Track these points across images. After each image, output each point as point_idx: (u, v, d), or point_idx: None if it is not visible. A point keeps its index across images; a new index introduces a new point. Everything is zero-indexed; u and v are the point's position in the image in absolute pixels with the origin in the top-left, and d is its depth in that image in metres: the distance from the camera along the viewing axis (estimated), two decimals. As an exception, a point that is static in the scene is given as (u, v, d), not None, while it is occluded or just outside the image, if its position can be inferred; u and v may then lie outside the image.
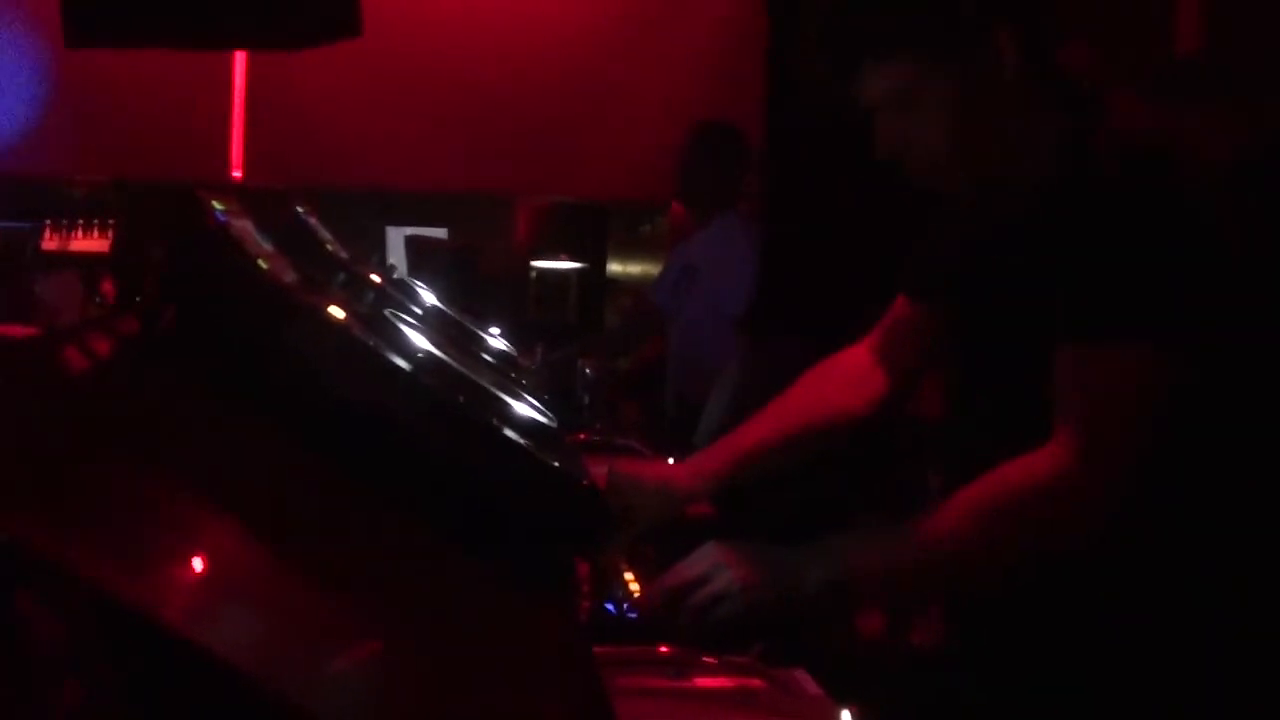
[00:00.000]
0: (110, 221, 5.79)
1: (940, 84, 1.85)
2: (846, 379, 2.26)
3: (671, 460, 2.85)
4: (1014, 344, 1.88)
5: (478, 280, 5.06)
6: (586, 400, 3.99)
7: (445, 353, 1.60)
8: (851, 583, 1.78)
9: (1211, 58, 3.69)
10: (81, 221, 5.90)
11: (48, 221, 5.86)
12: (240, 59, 4.46)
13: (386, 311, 1.58)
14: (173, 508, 1.17)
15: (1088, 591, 1.83)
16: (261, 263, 1.40)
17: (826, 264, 3.66)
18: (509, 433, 1.45)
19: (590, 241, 6.79)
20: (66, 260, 5.68)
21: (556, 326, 5.92)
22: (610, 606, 1.89)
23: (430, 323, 1.90)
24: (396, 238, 5.35)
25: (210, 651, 0.93)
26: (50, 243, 5.86)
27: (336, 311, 1.42)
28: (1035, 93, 1.88)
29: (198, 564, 1.13)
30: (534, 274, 6.46)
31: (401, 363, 1.41)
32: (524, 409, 1.58)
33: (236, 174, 4.50)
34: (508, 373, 1.99)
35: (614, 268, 7.14)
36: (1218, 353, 1.76)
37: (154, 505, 1.15)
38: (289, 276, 1.45)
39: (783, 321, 3.77)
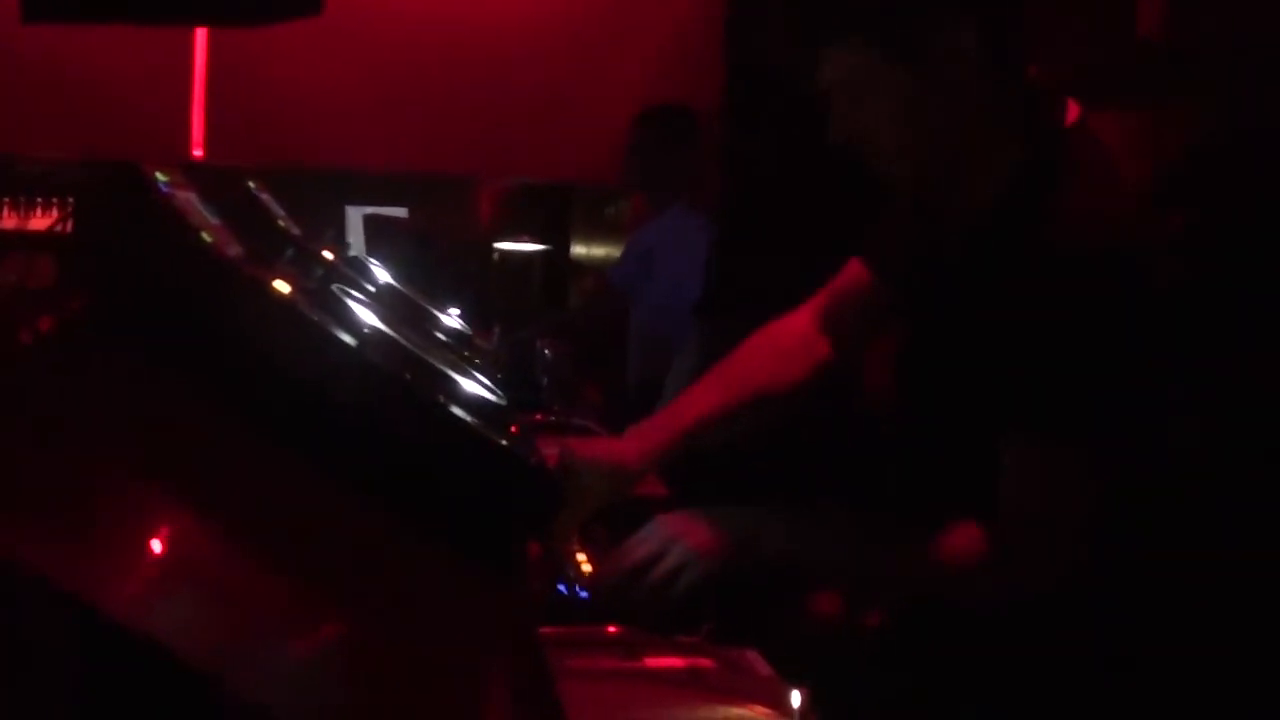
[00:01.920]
0: (69, 199, 5.72)
1: (893, 77, 1.80)
2: (790, 345, 2.23)
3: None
4: (963, 343, 1.88)
5: (438, 261, 5.04)
6: (545, 381, 3.98)
7: (395, 330, 1.59)
8: (806, 550, 1.81)
9: (1172, 44, 3.69)
10: (40, 200, 5.84)
11: (5, 199, 5.80)
12: (201, 36, 4.42)
13: (335, 287, 1.57)
14: (118, 488, 1.16)
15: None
16: (205, 236, 1.39)
17: (782, 246, 3.65)
18: (456, 410, 1.43)
19: (553, 223, 6.77)
20: (30, 240, 5.62)
21: (519, 308, 5.91)
22: (562, 587, 1.89)
23: (382, 300, 1.89)
24: (356, 217, 5.32)
25: (158, 640, 0.92)
26: (8, 221, 5.80)
27: (282, 286, 1.41)
28: (994, 106, 1.83)
29: (143, 547, 1.11)
30: (496, 256, 6.44)
31: (347, 338, 1.40)
32: (473, 387, 1.57)
33: (197, 152, 4.46)
34: (461, 352, 1.98)
35: (577, 250, 7.11)
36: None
37: (99, 486, 1.13)
38: (234, 250, 1.43)
39: (738, 305, 3.76)
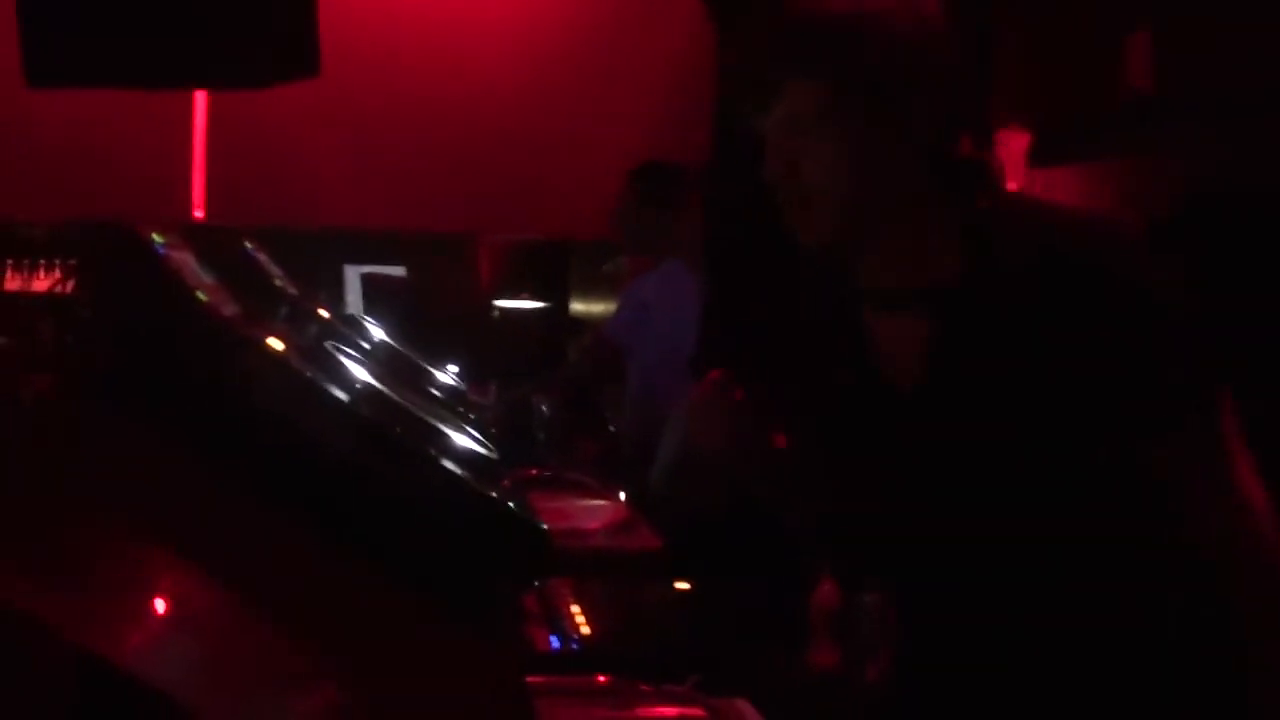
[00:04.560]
0: (71, 261, 5.75)
1: (840, 126, 1.70)
2: None
3: (623, 495, 2.86)
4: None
5: (436, 318, 5.06)
6: (542, 436, 4.00)
7: (388, 386, 1.61)
8: None
9: (1160, 93, 3.73)
10: (43, 262, 5.88)
11: (9, 262, 5.84)
12: (201, 98, 4.47)
13: (328, 344, 1.60)
14: (119, 543, 1.18)
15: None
16: (200, 295, 1.42)
17: (770, 300, 3.67)
18: (447, 464, 1.46)
19: (552, 280, 6.79)
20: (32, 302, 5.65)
21: (519, 365, 5.93)
22: (555, 640, 1.90)
23: (376, 357, 1.91)
24: (355, 276, 5.36)
25: (165, 692, 0.94)
26: (12, 283, 5.84)
27: (276, 344, 1.44)
28: (937, 173, 1.73)
29: (145, 600, 1.13)
30: (496, 314, 6.46)
31: (339, 394, 1.42)
32: (465, 442, 1.60)
33: (198, 214, 4.50)
34: (454, 407, 2.00)
35: (576, 306, 7.13)
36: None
37: (101, 541, 1.16)
38: (229, 309, 1.46)
39: (730, 360, 3.78)
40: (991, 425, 1.70)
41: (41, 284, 5.91)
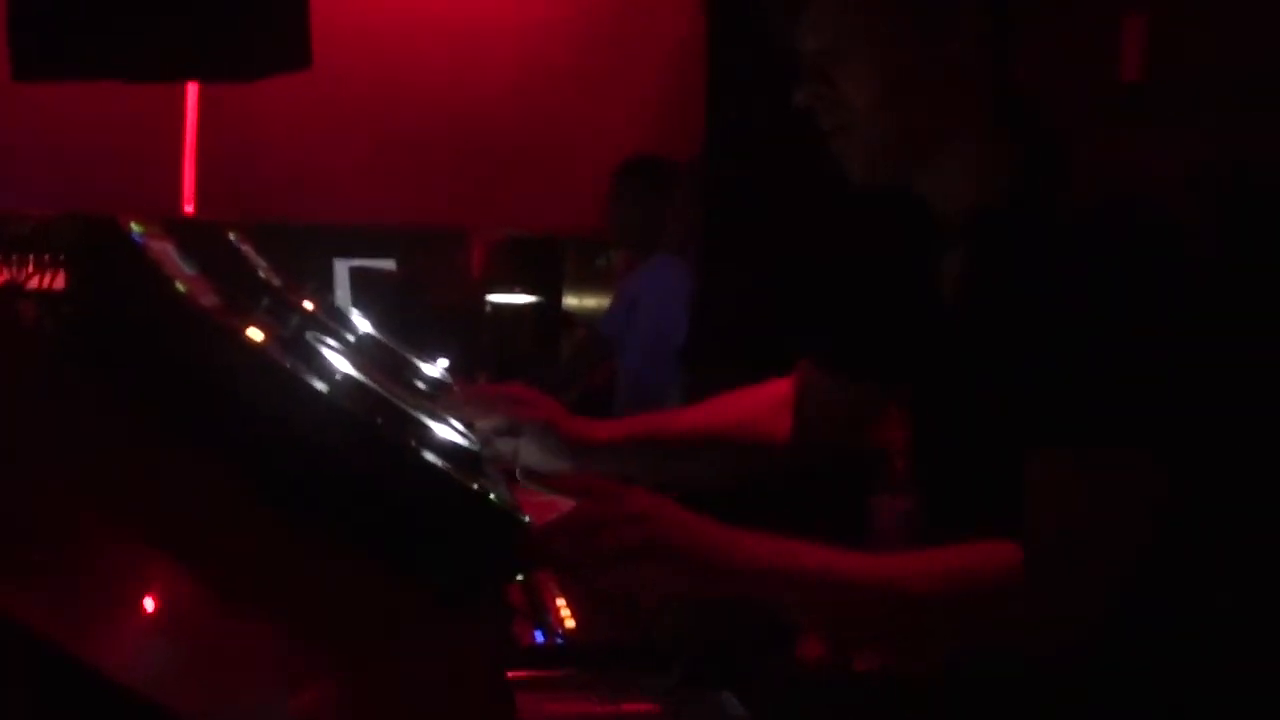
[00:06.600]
0: (61, 256, 5.75)
1: (879, 46, 1.59)
2: (775, 407, 2.12)
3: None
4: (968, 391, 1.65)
5: (426, 312, 5.06)
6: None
7: (370, 378, 1.60)
8: (791, 578, 1.49)
9: (1154, 79, 3.71)
10: (33, 256, 5.88)
11: (-1, 256, 5.85)
12: (192, 91, 4.46)
13: (309, 335, 1.58)
14: (101, 541, 1.17)
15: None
16: (179, 285, 1.40)
17: (762, 292, 3.67)
18: (427, 455, 1.45)
19: (545, 275, 6.81)
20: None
21: (512, 359, 5.93)
22: (539, 634, 1.89)
23: (359, 349, 1.90)
24: (344, 270, 5.36)
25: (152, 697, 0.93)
26: (1, 276, 5.85)
27: (254, 334, 1.43)
28: (986, 101, 1.62)
29: (127, 601, 1.13)
30: (489, 308, 6.47)
31: (318, 385, 1.41)
32: (447, 433, 1.58)
33: (189, 208, 4.49)
34: (439, 400, 1.99)
35: (570, 300, 7.15)
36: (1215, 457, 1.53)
37: (83, 540, 1.15)
38: (208, 299, 1.45)
39: (721, 352, 3.79)
40: (1011, 370, 1.55)
41: (30, 278, 5.92)
